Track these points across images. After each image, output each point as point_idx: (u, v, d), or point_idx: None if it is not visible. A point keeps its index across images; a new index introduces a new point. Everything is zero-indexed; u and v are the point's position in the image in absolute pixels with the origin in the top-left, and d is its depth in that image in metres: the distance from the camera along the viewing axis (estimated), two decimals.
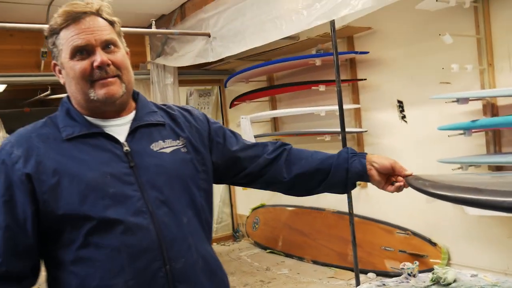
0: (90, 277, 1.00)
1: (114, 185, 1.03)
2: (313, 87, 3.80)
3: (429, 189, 1.09)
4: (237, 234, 5.44)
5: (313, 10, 2.90)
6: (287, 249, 4.49)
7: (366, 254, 3.65)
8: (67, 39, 1.05)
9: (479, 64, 2.88)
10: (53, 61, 1.12)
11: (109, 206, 1.01)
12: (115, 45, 1.09)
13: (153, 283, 1.02)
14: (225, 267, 1.22)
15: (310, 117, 4.11)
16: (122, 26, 1.16)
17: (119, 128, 1.11)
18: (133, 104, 1.17)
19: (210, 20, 3.92)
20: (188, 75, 5.01)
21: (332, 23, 2.76)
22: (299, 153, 1.32)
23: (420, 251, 3.35)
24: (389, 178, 1.26)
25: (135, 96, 1.19)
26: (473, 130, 2.81)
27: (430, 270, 1.82)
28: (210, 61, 4.00)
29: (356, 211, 3.03)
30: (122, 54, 1.10)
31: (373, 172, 1.24)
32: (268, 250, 4.70)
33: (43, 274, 1.10)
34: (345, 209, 2.93)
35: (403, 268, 1.86)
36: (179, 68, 4.64)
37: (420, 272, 1.88)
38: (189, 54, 4.21)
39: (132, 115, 1.14)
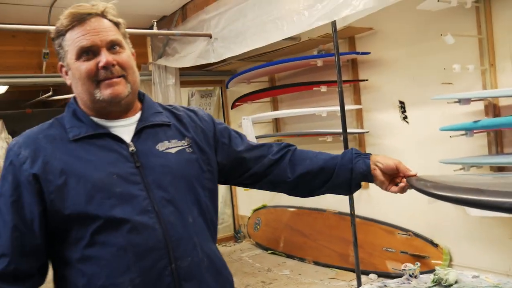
0: (97, 275, 1.01)
1: (121, 185, 1.04)
2: (314, 88, 3.81)
3: (431, 190, 1.09)
4: (239, 235, 5.44)
5: (314, 11, 2.91)
6: (289, 250, 4.49)
7: (368, 255, 3.65)
8: (73, 40, 1.06)
9: (481, 64, 2.88)
10: (60, 63, 1.13)
11: (116, 206, 1.02)
12: (120, 45, 1.10)
13: (159, 282, 1.03)
14: None
15: (312, 118, 4.11)
16: None
17: (125, 128, 1.12)
18: (139, 105, 1.18)
19: (211, 21, 3.92)
20: (190, 76, 5.01)
21: (334, 23, 2.76)
22: (303, 153, 1.33)
23: (422, 252, 3.35)
24: (393, 179, 1.26)
25: (141, 97, 1.20)
26: (474, 131, 2.81)
27: (432, 271, 1.83)
28: (211, 62, 4.00)
29: (357, 212, 3.03)
30: (127, 54, 1.11)
31: (377, 172, 1.24)
32: (270, 251, 4.70)
33: (50, 272, 1.11)
34: (347, 210, 2.94)
35: (404, 269, 1.87)
36: (180, 69, 4.64)
37: (421, 273, 1.88)
38: (190, 55, 4.22)
39: (138, 115, 1.15)
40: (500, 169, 2.90)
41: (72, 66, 1.08)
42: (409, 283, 1.82)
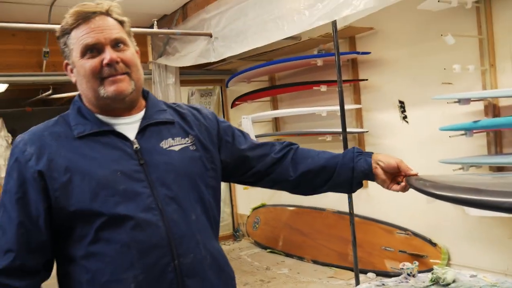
0: (101, 272, 1.02)
1: (125, 182, 1.04)
2: (314, 87, 3.82)
3: (430, 190, 1.09)
4: (238, 233, 5.45)
5: (315, 11, 2.91)
6: (287, 249, 4.50)
7: (366, 254, 3.66)
8: (78, 39, 1.07)
9: (481, 64, 2.89)
10: (65, 61, 1.14)
11: (120, 203, 1.03)
12: (125, 43, 1.11)
13: (162, 278, 1.03)
14: None
15: (312, 117, 4.12)
16: None
17: (129, 126, 1.12)
18: (143, 103, 1.19)
19: (212, 20, 3.93)
20: (190, 75, 5.01)
21: (334, 23, 2.77)
22: (305, 152, 1.33)
23: (420, 251, 3.36)
24: (395, 177, 1.26)
25: (145, 94, 1.21)
26: (474, 131, 2.82)
27: (430, 270, 1.84)
28: (212, 61, 4.01)
29: (356, 211, 3.04)
30: (131, 52, 1.12)
31: (379, 171, 1.25)
32: (268, 250, 4.71)
33: (54, 268, 1.12)
34: (346, 209, 2.94)
35: (402, 268, 1.88)
36: (180, 68, 4.65)
37: (419, 272, 1.89)
38: (191, 54, 4.22)
39: (142, 113, 1.16)
40: (499, 169, 2.91)
41: (77, 63, 1.09)
42: (407, 282, 1.83)
